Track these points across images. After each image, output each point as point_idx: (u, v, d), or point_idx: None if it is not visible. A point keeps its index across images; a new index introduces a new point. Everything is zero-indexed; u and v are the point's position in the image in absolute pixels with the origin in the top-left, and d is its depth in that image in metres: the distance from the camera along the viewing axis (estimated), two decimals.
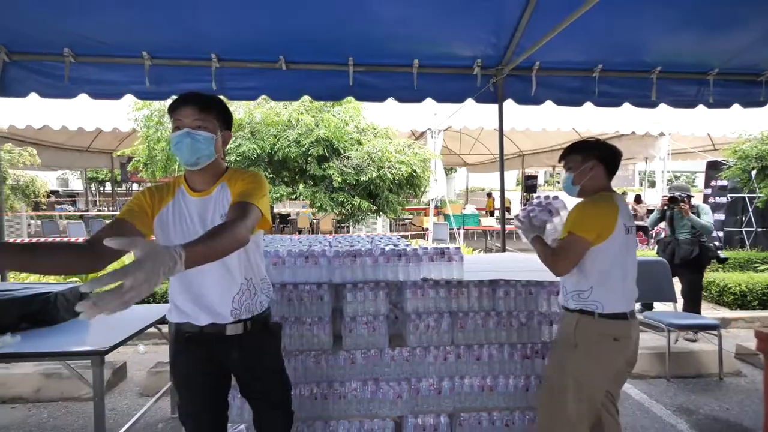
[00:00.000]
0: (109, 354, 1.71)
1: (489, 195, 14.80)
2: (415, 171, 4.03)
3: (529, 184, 11.97)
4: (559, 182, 16.27)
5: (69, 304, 2.09)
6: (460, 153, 13.17)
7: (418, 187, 4.63)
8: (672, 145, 7.31)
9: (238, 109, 3.92)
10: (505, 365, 1.90)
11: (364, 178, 3.89)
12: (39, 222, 8.49)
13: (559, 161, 1.75)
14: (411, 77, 2.91)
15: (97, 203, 16.98)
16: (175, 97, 3.01)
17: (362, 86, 2.92)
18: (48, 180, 10.60)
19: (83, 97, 2.87)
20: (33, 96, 2.85)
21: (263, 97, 3.07)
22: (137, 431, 2.16)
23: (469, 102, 3.16)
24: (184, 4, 2.40)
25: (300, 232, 7.28)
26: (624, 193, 10.94)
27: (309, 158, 3.77)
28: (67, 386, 2.62)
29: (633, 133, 6.93)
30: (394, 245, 1.99)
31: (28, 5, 2.41)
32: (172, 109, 1.22)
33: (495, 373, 1.88)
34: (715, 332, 2.86)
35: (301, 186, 4.38)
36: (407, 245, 2.03)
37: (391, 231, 7.14)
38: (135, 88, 2.84)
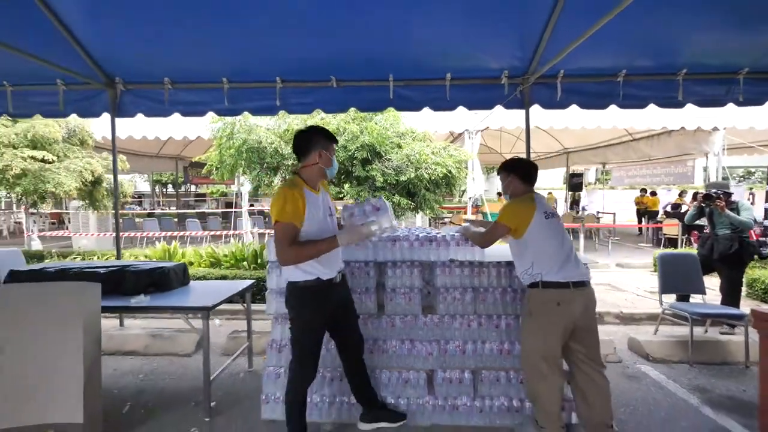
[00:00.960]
0: (211, 310, 2.36)
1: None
2: (450, 171, 4.47)
3: (574, 182, 11.82)
4: (609, 179, 15.78)
5: (176, 275, 2.79)
6: (501, 152, 13.24)
7: (453, 186, 5.06)
8: (728, 140, 7.08)
9: (295, 120, 4.58)
10: (519, 333, 2.31)
11: (403, 178, 4.39)
12: (120, 219, 9.89)
13: (497, 174, 2.29)
14: (444, 89, 3.36)
15: (160, 203, 18.88)
16: (248, 113, 3.71)
17: (401, 98, 3.42)
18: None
19: (175, 115, 3.64)
20: (138, 115, 3.68)
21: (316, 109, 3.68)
22: (224, 378, 2.81)
23: (499, 107, 3.56)
24: (254, 40, 3.03)
25: (341, 227, 7.89)
26: (683, 192, 10.53)
27: (354, 161, 4.35)
28: (167, 344, 3.38)
29: (682, 128, 6.82)
30: (427, 233, 2.47)
31: (139, 48, 3.18)
32: (333, 140, 1.99)
33: (511, 339, 2.29)
34: (742, 323, 3.03)
35: (346, 186, 4.97)
36: (438, 233, 2.50)
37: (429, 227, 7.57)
38: (216, 106, 3.55)
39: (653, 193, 11.05)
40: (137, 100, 3.59)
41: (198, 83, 3.49)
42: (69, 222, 11.84)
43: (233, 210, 13.47)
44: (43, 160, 4.95)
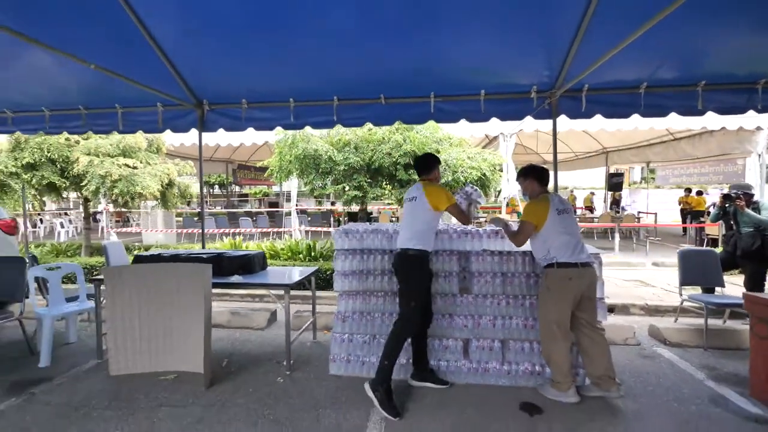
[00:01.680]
0: (292, 288, 3.04)
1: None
2: (484, 174, 4.97)
3: (614, 182, 11.80)
4: (654, 178, 15.45)
5: (258, 261, 3.52)
6: (538, 152, 13.40)
7: (488, 187, 5.55)
8: None
9: (346, 132, 5.27)
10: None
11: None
12: (180, 218, 11.11)
13: (516, 180, 2.82)
14: (479, 103, 3.89)
15: (208, 202, 20.44)
16: (310, 128, 4.43)
17: (440, 112, 3.98)
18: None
19: (249, 129, 4.40)
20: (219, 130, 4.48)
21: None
22: (295, 345, 3.48)
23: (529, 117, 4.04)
24: (315, 65, 3.67)
25: None
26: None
27: (398, 166, 4.97)
28: (244, 320, 4.14)
29: (723, 128, 6.89)
30: (464, 228, 3.03)
31: (222, 77, 3.95)
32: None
33: (534, 316, 2.81)
34: None
35: (388, 188, 5.60)
36: (474, 228, 3.05)
37: None
38: (283, 122, 4.28)
39: (699, 193, 10.86)
40: (219, 117, 4.39)
41: (269, 102, 4.23)
42: (132, 221, 13.34)
43: (277, 209, 14.54)
44: (131, 167, 5.93)
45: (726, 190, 4.23)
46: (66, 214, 13.38)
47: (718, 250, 4.17)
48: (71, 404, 2.60)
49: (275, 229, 10.03)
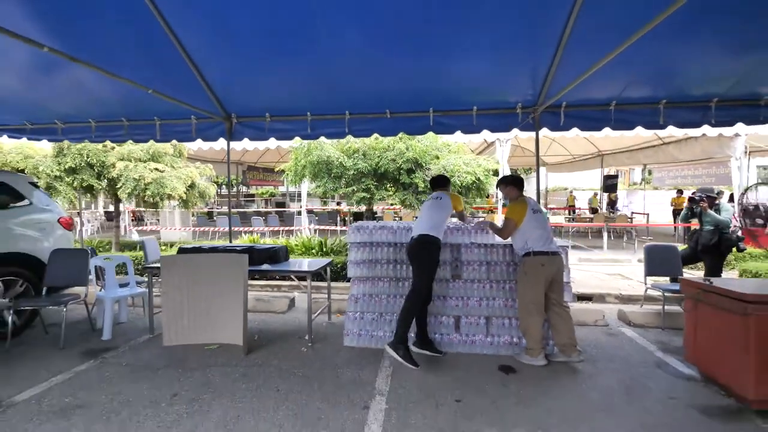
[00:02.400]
0: (313, 274, 3.70)
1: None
2: (478, 179, 5.61)
3: (608, 184, 12.38)
4: (651, 181, 16.03)
5: (282, 253, 4.17)
6: (535, 153, 13.96)
7: (482, 190, 6.19)
8: (751, 145, 7.62)
9: (356, 140, 5.93)
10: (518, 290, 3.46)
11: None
12: (195, 216, 11.82)
13: (497, 187, 3.44)
14: (472, 117, 4.52)
15: (216, 202, 21.17)
16: (324, 138, 5.14)
17: (438, 125, 4.62)
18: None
19: (271, 139, 5.07)
20: (246, 140, 5.15)
21: None
22: (313, 325, 4.14)
23: (515, 130, 4.68)
24: (330, 83, 4.29)
25: None
26: (720, 192, 10.87)
27: (401, 171, 5.62)
28: (267, 305, 4.80)
29: (704, 135, 7.47)
30: (456, 225, 3.68)
31: (249, 94, 4.59)
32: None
33: (513, 297, 3.45)
34: None
35: (392, 190, 6.25)
36: (464, 225, 3.69)
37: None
38: (301, 133, 4.93)
39: (680, 192, 11.44)
40: (245, 129, 5.06)
41: (289, 116, 4.89)
42: (146, 219, 14.07)
43: (284, 209, 15.22)
44: (160, 171, 6.62)
45: (697, 193, 4.83)
46: (79, 214, 14.16)
47: (662, 243, 4.76)
48: (138, 364, 3.27)
49: (285, 228, 10.71)
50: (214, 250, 4.03)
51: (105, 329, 3.87)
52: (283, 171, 6.79)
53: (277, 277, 5.84)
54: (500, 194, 8.33)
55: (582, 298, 5.04)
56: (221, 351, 3.53)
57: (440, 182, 3.65)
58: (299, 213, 11.06)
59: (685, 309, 3.08)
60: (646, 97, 4.21)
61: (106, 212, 14.56)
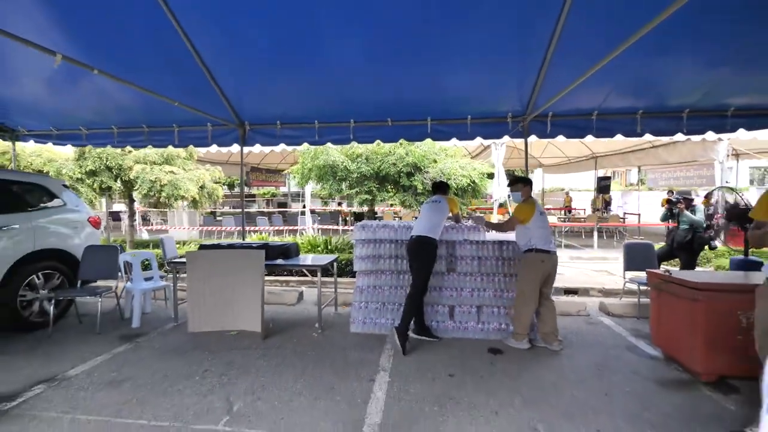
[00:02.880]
0: (322, 269, 4.14)
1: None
2: (473, 181, 6.06)
3: (602, 185, 12.83)
4: (645, 182, 16.46)
5: (294, 250, 4.62)
6: (533, 155, 14.43)
7: (478, 191, 6.64)
8: (737, 147, 8.07)
9: (360, 145, 6.38)
10: (507, 284, 3.91)
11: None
12: (202, 216, 12.28)
13: (508, 186, 3.80)
14: (466, 126, 4.97)
15: (221, 202, 21.58)
16: (330, 144, 5.61)
17: (436, 132, 5.07)
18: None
19: (281, 145, 5.51)
20: (256, 145, 5.59)
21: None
22: (323, 314, 4.59)
23: (506, 137, 5.12)
24: (335, 93, 4.71)
25: None
26: (709, 194, 11.32)
27: (401, 174, 6.06)
28: (277, 298, 5.25)
29: (689, 139, 7.92)
30: (451, 224, 4.12)
31: (261, 103, 5.03)
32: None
33: (501, 288, 3.90)
34: None
35: (393, 191, 6.70)
36: (458, 224, 4.13)
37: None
38: (309, 139, 5.38)
39: (670, 192, 11.89)
40: (257, 135, 5.50)
41: (298, 123, 5.33)
42: (151, 219, 14.51)
43: (286, 209, 15.67)
44: (174, 173, 7.06)
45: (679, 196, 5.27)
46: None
47: (639, 241, 5.20)
48: (168, 348, 3.72)
49: (289, 227, 11.15)
50: (231, 246, 4.46)
51: (134, 318, 4.31)
52: (283, 171, 7.21)
53: (286, 273, 6.28)
54: (495, 195, 8.79)
55: (568, 291, 5.49)
56: (241, 336, 3.97)
57: (441, 187, 4.06)
58: (302, 213, 11.50)
59: (651, 298, 3.53)
60: (625, 107, 4.66)
61: (110, 212, 15.00)
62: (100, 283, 4.68)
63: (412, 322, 3.84)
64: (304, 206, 13.81)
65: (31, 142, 6.25)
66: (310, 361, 3.40)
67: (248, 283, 3.98)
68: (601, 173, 14.82)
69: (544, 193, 18.36)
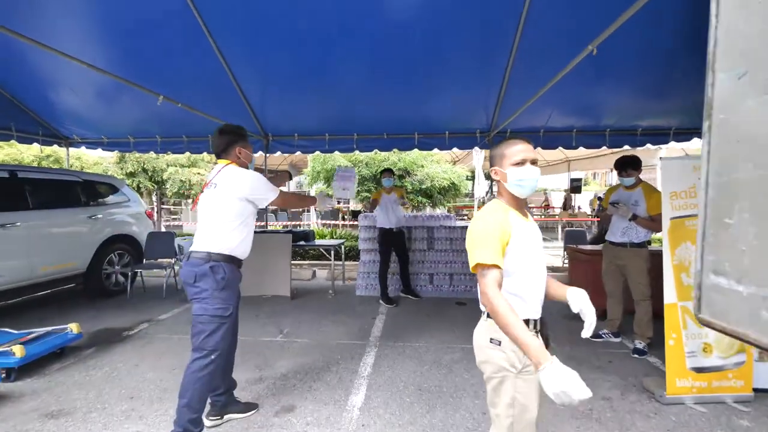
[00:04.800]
0: (336, 248, 5.61)
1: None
2: (453, 183, 7.57)
3: (574, 186, 14.47)
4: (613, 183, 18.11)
5: (311, 235, 6.08)
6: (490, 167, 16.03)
7: (458, 190, 8.16)
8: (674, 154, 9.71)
9: (361, 154, 7.86)
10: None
11: (424, 186, 7.57)
12: None
13: (620, 170, 5.08)
14: (444, 139, 6.45)
15: None
16: (337, 152, 7.17)
17: (421, 143, 6.54)
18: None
19: (298, 152, 6.96)
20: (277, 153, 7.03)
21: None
22: (334, 286, 6.04)
23: (476, 148, 6.63)
24: (341, 110, 6.15)
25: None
26: None
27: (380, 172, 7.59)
28: (296, 275, 6.68)
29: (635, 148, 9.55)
30: (431, 213, 5.62)
31: (282, 118, 6.46)
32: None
33: (463, 261, 5.41)
34: None
35: None
36: (437, 214, 5.64)
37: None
38: (320, 148, 6.82)
39: None
40: (278, 144, 6.93)
41: (311, 136, 6.77)
42: (162, 215, 15.80)
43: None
44: (201, 174, 8.47)
45: (601, 194, 6.84)
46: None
47: (577, 229, 6.75)
48: None
49: (293, 223, 12.56)
50: (263, 232, 5.91)
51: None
52: (276, 171, 8.68)
53: (299, 258, 7.72)
54: (476, 194, 10.33)
55: None
56: (274, 299, 5.41)
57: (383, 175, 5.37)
58: (307, 210, 12.92)
59: (568, 265, 5.07)
60: (564, 126, 6.20)
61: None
62: (160, 261, 6.08)
63: (400, 285, 5.34)
64: None
65: (83, 148, 7.61)
66: (329, 310, 4.87)
67: (279, 259, 5.43)
68: (582, 175, 16.48)
69: None
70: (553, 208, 17.47)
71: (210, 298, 2.15)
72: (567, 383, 1.19)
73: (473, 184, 9.69)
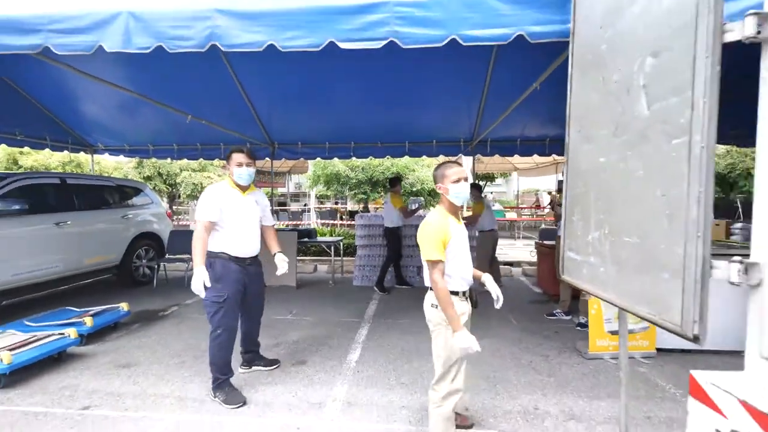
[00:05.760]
0: (336, 244, 6.48)
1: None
2: None
3: (561, 187, 15.35)
4: None
5: (314, 233, 6.94)
6: (508, 161, 16.91)
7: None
8: None
9: (358, 161, 8.73)
10: None
11: (415, 189, 8.43)
12: None
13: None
14: (432, 147, 7.33)
15: None
16: (336, 158, 8.08)
17: (411, 151, 7.41)
18: None
19: (301, 159, 7.82)
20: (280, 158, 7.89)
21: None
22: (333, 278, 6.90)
23: (460, 154, 7.50)
24: (340, 122, 7.00)
25: None
26: None
27: (388, 180, 8.42)
28: (299, 268, 7.56)
29: None
30: (421, 214, 6.48)
31: (287, 128, 7.32)
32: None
33: None
34: None
35: (382, 193, 9.04)
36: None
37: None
38: (321, 155, 7.69)
39: None
40: (283, 152, 7.79)
41: (313, 144, 7.62)
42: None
43: (286, 207, 17.87)
44: (211, 178, 9.32)
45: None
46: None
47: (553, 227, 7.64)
48: None
49: (293, 222, 13.41)
50: None
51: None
52: (288, 172, 9.54)
53: (301, 254, 8.57)
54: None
55: (506, 264, 7.89)
56: (281, 288, 6.26)
57: (391, 183, 6.23)
58: (305, 210, 13.78)
59: (537, 258, 5.94)
60: (538, 135, 7.07)
61: None
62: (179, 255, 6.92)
63: (393, 277, 6.20)
64: (305, 205, 16.10)
65: (107, 155, 8.45)
66: (330, 297, 5.74)
67: (286, 253, 6.26)
68: (558, 176, 17.34)
69: (519, 195, 20.91)
70: (543, 207, 18.36)
71: (210, 289, 2.74)
72: (467, 343, 2.01)
73: None
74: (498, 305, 2.33)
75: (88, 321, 3.77)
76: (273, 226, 3.48)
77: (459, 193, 2.26)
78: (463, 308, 2.22)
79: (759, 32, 1.15)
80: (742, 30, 1.18)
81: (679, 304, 1.31)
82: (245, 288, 3.02)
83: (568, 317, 4.75)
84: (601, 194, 1.90)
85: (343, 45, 2.40)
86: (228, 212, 2.87)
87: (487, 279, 2.42)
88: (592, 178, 1.99)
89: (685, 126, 1.27)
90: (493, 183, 21.28)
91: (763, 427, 0.98)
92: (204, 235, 2.76)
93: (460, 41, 2.33)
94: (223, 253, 2.88)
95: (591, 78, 2.00)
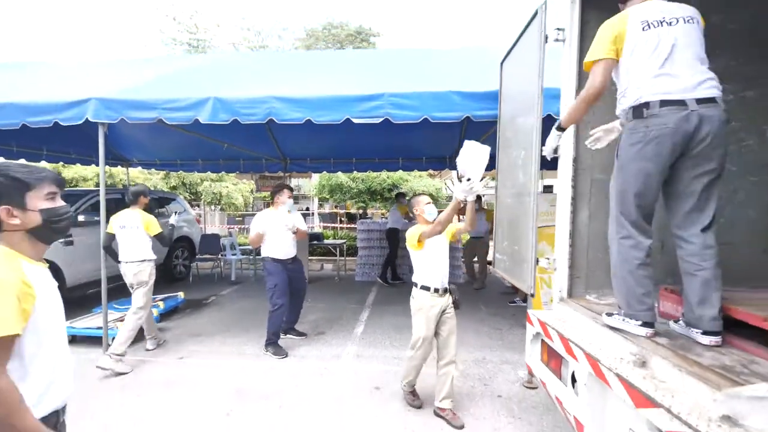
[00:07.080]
0: (341, 245, 7.85)
1: None
2: (431, 194, 9.78)
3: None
4: None
5: (321, 235, 8.30)
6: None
7: (435, 199, 10.40)
8: None
9: (358, 174, 10.10)
10: None
11: (408, 197, 9.81)
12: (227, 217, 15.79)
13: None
14: (422, 162, 8.70)
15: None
16: (340, 172, 9.55)
17: (404, 166, 8.78)
18: None
19: (309, 171, 9.17)
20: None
21: None
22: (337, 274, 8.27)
23: (447, 169, 8.88)
24: (344, 140, 8.34)
25: None
26: None
27: (385, 190, 9.77)
28: (307, 267, 8.92)
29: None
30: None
31: (297, 148, 8.67)
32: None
33: None
34: None
35: (380, 201, 10.41)
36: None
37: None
38: (327, 168, 9.05)
39: None
40: (294, 166, 9.13)
41: (320, 159, 8.97)
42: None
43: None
44: (228, 187, 10.66)
45: None
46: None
47: None
48: (257, 288, 7.34)
49: None
50: None
51: (232, 274, 7.93)
52: (289, 176, 10.86)
53: (308, 254, 9.93)
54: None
55: (489, 262, 9.27)
56: None
57: (399, 197, 7.70)
58: (309, 214, 15.12)
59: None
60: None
61: None
62: (208, 255, 8.27)
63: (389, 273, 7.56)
64: (307, 209, 17.43)
65: (139, 168, 9.77)
66: (337, 289, 7.10)
67: (299, 254, 7.62)
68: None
69: None
70: None
71: (267, 280, 4.27)
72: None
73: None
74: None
75: (161, 304, 5.11)
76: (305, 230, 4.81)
77: (431, 212, 3.60)
78: (434, 302, 3.37)
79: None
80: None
81: (530, 279, 2.70)
82: (290, 280, 4.37)
83: (525, 303, 6.13)
84: (508, 221, 3.28)
85: (355, 120, 3.78)
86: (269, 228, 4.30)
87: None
88: (505, 211, 3.37)
89: (528, 193, 2.66)
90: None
91: (543, 329, 2.34)
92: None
93: (430, 119, 3.70)
94: (268, 256, 4.28)
95: (506, 153, 3.38)
